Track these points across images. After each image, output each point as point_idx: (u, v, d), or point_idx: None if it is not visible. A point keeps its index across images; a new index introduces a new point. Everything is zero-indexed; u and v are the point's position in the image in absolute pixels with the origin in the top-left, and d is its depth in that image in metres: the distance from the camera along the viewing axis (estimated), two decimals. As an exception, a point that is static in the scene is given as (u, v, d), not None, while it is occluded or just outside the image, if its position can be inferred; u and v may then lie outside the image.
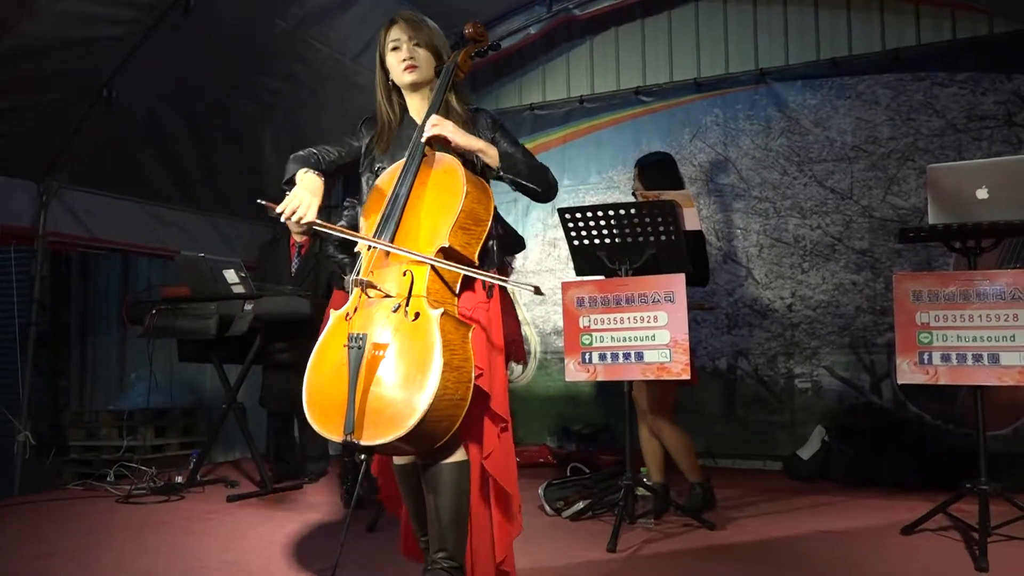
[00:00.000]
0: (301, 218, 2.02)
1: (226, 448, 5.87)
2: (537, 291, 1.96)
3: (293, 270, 4.67)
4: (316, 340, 2.09)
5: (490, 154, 2.18)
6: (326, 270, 4.60)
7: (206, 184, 5.33)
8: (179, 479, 4.21)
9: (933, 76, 4.59)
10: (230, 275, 4.04)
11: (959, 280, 2.88)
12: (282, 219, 2.04)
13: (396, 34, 2.24)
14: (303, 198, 2.04)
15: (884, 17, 4.79)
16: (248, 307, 4.01)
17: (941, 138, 4.54)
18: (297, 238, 4.74)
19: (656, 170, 3.65)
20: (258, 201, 2.12)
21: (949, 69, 4.55)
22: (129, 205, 4.98)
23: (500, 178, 2.22)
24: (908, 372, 2.92)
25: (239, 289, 4.05)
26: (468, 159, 2.19)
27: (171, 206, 5.23)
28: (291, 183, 2.15)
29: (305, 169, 2.15)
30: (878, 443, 4.23)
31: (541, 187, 2.26)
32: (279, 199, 2.08)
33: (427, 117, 2.17)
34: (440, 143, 2.15)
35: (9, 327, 5.22)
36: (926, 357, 2.90)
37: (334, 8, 4.77)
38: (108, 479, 4.41)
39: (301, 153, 2.24)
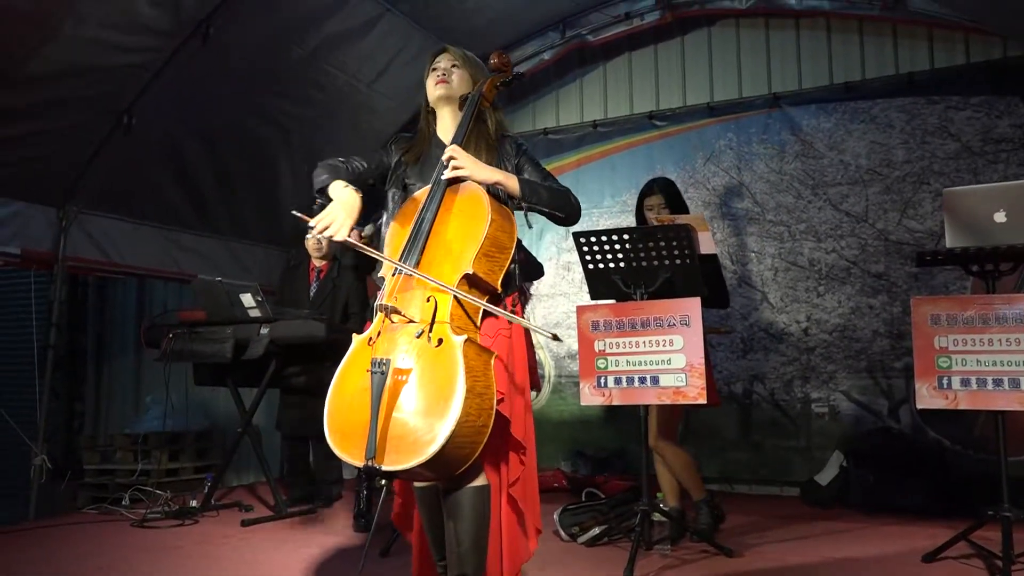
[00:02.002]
0: (334, 234, 2.02)
1: (239, 472, 5.87)
2: (555, 338, 1.95)
3: (312, 294, 4.70)
4: (331, 363, 2.09)
5: (510, 185, 2.20)
6: (343, 294, 4.63)
7: (223, 208, 5.38)
8: (193, 503, 4.21)
9: (947, 100, 4.59)
10: (247, 299, 4.06)
11: (978, 304, 2.87)
12: (312, 233, 2.04)
13: (440, 58, 2.33)
14: (337, 215, 2.05)
15: (897, 41, 4.81)
16: (264, 331, 4.03)
17: (956, 161, 4.54)
18: (316, 262, 4.76)
19: (676, 191, 3.67)
20: (292, 212, 2.14)
21: (963, 93, 4.55)
22: (146, 229, 5.03)
23: (522, 208, 2.23)
24: (927, 397, 2.89)
25: (255, 313, 4.07)
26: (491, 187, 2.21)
27: (188, 230, 5.28)
28: (323, 193, 2.16)
29: (344, 184, 2.15)
30: (897, 469, 4.18)
31: (564, 211, 2.28)
32: (310, 214, 2.08)
33: (452, 143, 2.19)
34: (455, 170, 2.16)
35: (28, 350, 5.26)
36: (945, 381, 2.87)
37: (351, 35, 4.84)
38: (123, 503, 4.41)
39: (331, 161, 2.26)
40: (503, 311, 2.11)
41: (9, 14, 3.56)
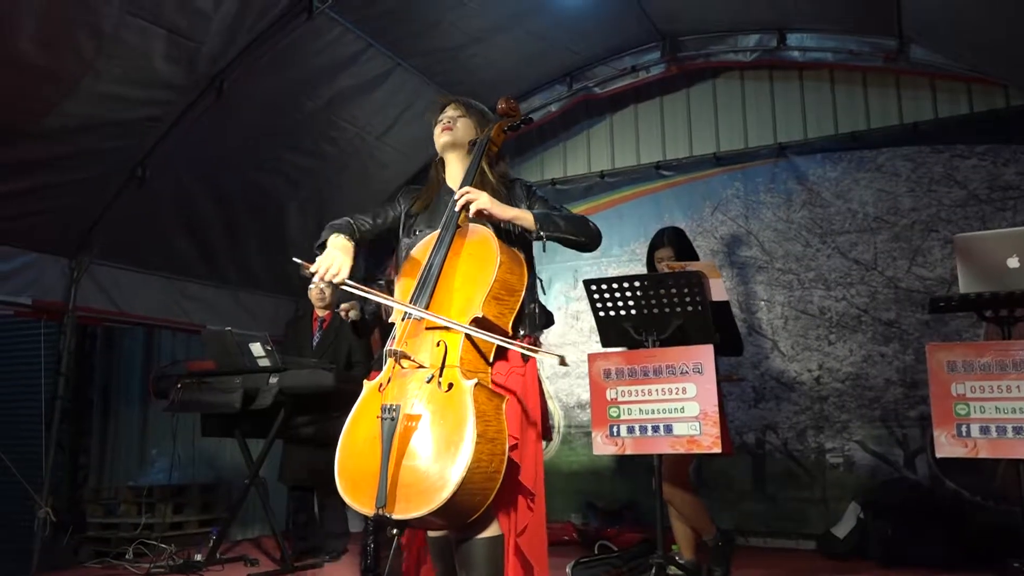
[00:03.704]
0: (334, 276, 2.05)
1: (244, 525, 5.77)
2: (562, 361, 1.95)
3: (314, 344, 4.69)
4: (339, 413, 2.08)
5: (526, 219, 2.21)
6: (345, 344, 4.61)
7: (231, 259, 5.41)
8: (198, 557, 4.13)
9: (952, 148, 4.63)
10: (256, 348, 4.05)
11: (995, 350, 2.83)
12: (315, 279, 2.06)
13: (446, 109, 2.38)
14: (335, 257, 2.09)
15: (900, 92, 4.86)
16: (273, 380, 4.01)
17: (964, 208, 4.55)
18: (319, 312, 4.76)
19: (685, 240, 3.68)
20: (293, 259, 2.19)
21: (968, 141, 4.59)
22: (155, 280, 5.06)
23: (541, 239, 2.23)
24: (947, 445, 2.84)
25: (265, 362, 4.06)
26: (503, 228, 2.21)
27: (196, 280, 5.31)
28: (323, 247, 2.19)
29: (336, 234, 2.19)
30: (916, 520, 4.09)
31: (583, 236, 2.28)
32: (296, 276, 2.13)
33: (461, 187, 2.20)
34: (477, 216, 2.18)
35: (34, 401, 5.24)
36: (964, 429, 2.82)
37: (361, 89, 4.93)
38: (126, 557, 4.33)
39: (337, 221, 2.31)
40: (512, 343, 2.09)
41: (30, 72, 3.64)
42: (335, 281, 2.07)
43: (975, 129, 4.59)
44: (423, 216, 2.34)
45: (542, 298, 2.36)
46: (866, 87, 4.96)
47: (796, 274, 4.93)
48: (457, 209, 2.17)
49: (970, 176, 4.57)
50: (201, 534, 5.32)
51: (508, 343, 2.09)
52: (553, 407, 5.42)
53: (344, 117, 5.05)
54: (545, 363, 5.50)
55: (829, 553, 4.30)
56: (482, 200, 2.15)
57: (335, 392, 3.97)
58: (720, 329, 3.23)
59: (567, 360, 2.02)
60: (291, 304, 5.81)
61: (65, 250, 4.55)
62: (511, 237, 2.23)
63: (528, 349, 2.15)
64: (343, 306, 4.17)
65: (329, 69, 4.67)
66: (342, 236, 2.20)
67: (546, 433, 2.34)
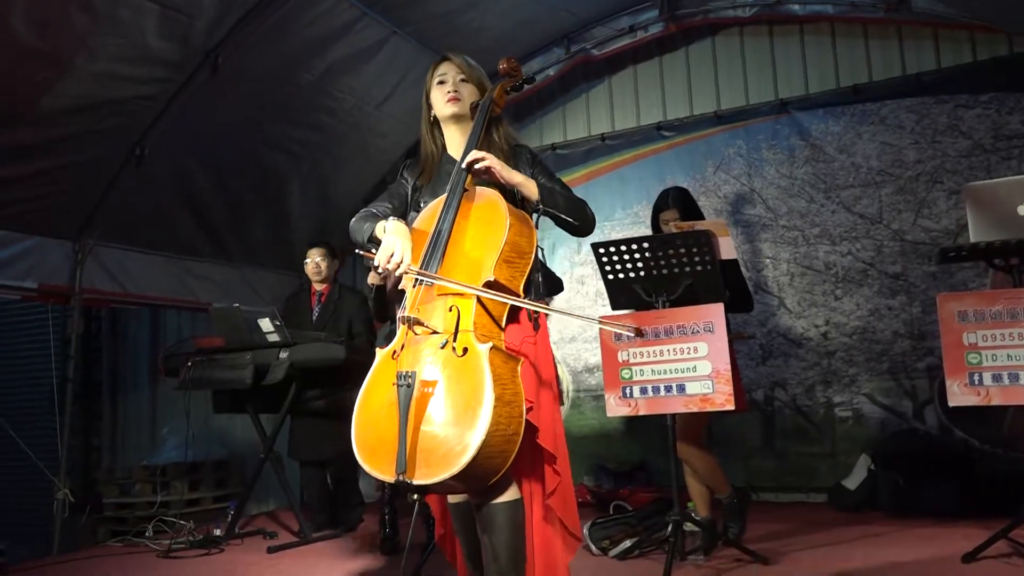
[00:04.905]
0: (399, 264, 2.00)
1: (259, 499, 5.83)
2: (639, 334, 1.92)
3: (314, 318, 4.68)
4: (350, 385, 2.07)
5: (530, 188, 2.19)
6: (345, 316, 4.61)
7: (234, 235, 5.40)
8: (217, 532, 4.17)
9: (956, 98, 4.58)
10: (265, 324, 4.05)
11: (1005, 298, 2.83)
12: (380, 269, 2.02)
13: (444, 69, 2.29)
14: (396, 243, 2.03)
15: (903, 43, 4.80)
16: (283, 355, 4.01)
17: (969, 159, 4.51)
18: (317, 286, 4.71)
19: (691, 200, 3.66)
20: (356, 251, 2.14)
21: (972, 91, 4.54)
22: (159, 259, 5.06)
23: (538, 211, 2.22)
24: (959, 394, 2.85)
25: (274, 337, 4.06)
26: (508, 191, 2.19)
27: (200, 259, 5.30)
28: (372, 241, 2.14)
29: (391, 218, 2.14)
30: (926, 470, 4.12)
31: (579, 220, 2.25)
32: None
33: (466, 151, 2.18)
34: (484, 175, 2.16)
35: (44, 385, 5.26)
36: (977, 378, 2.83)
37: (357, 59, 4.87)
38: (146, 534, 4.38)
39: (363, 213, 2.25)
40: (531, 303, 2.09)
41: (22, 53, 3.60)
42: (401, 269, 2.01)
43: (979, 78, 4.53)
44: (427, 188, 2.31)
45: (548, 264, 2.34)
46: (867, 39, 4.90)
47: (801, 230, 4.91)
48: (464, 166, 2.14)
49: (975, 126, 4.53)
50: (217, 510, 5.39)
51: (529, 304, 2.07)
52: (562, 372, 5.44)
53: (341, 88, 5.00)
54: (552, 327, 5.47)
55: (840, 505, 4.34)
56: (491, 160, 2.13)
57: (345, 364, 3.98)
58: (730, 287, 3.22)
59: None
60: (295, 279, 5.80)
61: (68, 233, 4.54)
62: (515, 200, 2.21)
63: (598, 321, 2.13)
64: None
65: (323, 40, 4.61)
66: (392, 219, 2.12)
67: (557, 399, 2.34)
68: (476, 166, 2.13)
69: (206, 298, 5.23)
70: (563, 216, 2.22)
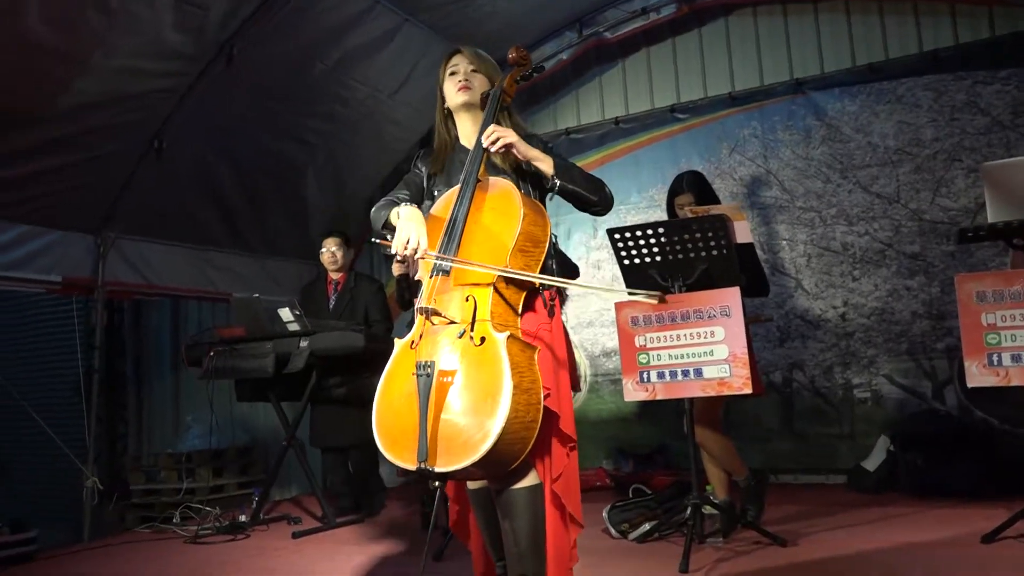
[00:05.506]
0: (415, 249, 2.03)
1: (281, 486, 5.92)
2: (661, 299, 1.93)
3: (331, 307, 4.73)
4: (370, 373, 2.10)
5: (546, 163, 2.21)
6: (362, 304, 4.66)
7: (253, 226, 5.45)
8: (243, 518, 4.25)
9: (975, 75, 4.53)
10: (284, 313, 4.10)
11: (1024, 278, 2.82)
12: (399, 254, 2.04)
13: (456, 60, 2.33)
14: (411, 229, 2.05)
15: (919, 19, 4.74)
16: (304, 344, 4.07)
17: (988, 136, 4.47)
18: (333, 275, 4.77)
19: (706, 184, 3.66)
20: (372, 240, 2.18)
21: (991, 67, 4.48)
22: (180, 251, 5.12)
23: (555, 188, 2.22)
24: (978, 375, 2.85)
25: (294, 327, 4.11)
26: (522, 180, 2.21)
27: (220, 249, 5.36)
28: (387, 227, 2.17)
29: (405, 204, 2.16)
30: (946, 451, 4.12)
31: (596, 196, 2.26)
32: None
33: (478, 141, 2.20)
34: (504, 148, 2.17)
35: (70, 375, 5.34)
36: (996, 358, 2.83)
37: (370, 48, 4.88)
38: (174, 520, 4.46)
39: (382, 202, 2.28)
40: (552, 278, 2.11)
41: (40, 51, 3.64)
42: (417, 254, 2.03)
43: (998, 53, 4.47)
44: (441, 177, 2.34)
45: (564, 249, 2.36)
46: (883, 16, 4.84)
47: (818, 211, 4.89)
48: (485, 142, 2.16)
49: (993, 102, 4.48)
50: (241, 496, 5.47)
51: (552, 280, 2.11)
52: (579, 357, 5.46)
53: (355, 77, 5.02)
54: (569, 312, 5.48)
55: (860, 487, 4.35)
56: (510, 136, 2.15)
57: (364, 352, 4.03)
58: (745, 271, 3.23)
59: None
60: (313, 268, 5.84)
61: (90, 226, 4.60)
62: (530, 184, 2.23)
63: (627, 292, 2.12)
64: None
65: (336, 29, 4.62)
66: (405, 204, 2.15)
67: (574, 383, 2.36)
68: (496, 145, 2.15)
69: (226, 288, 5.29)
70: (579, 190, 2.24)
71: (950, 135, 4.57)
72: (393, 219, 2.16)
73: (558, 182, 2.20)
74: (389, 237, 2.11)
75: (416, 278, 2.27)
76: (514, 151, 2.17)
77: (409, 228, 2.05)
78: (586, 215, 2.42)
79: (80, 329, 5.55)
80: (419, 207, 2.22)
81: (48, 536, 4.51)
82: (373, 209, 2.28)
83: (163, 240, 4.99)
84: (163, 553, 3.87)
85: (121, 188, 4.57)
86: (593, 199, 2.26)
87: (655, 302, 1.93)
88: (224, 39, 4.25)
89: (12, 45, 3.53)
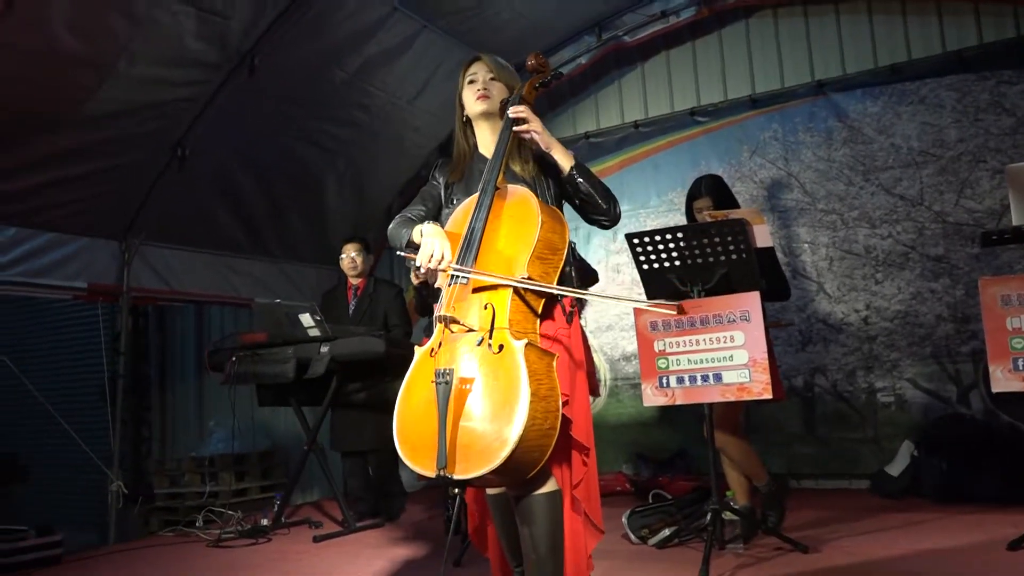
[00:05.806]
0: (439, 263, 2.06)
1: (302, 490, 5.96)
2: (680, 310, 1.95)
3: (351, 312, 4.76)
4: (390, 378, 2.11)
5: (566, 155, 2.24)
6: (381, 309, 4.68)
7: (274, 232, 5.51)
8: (265, 522, 4.29)
9: (999, 75, 4.47)
10: (305, 319, 4.13)
11: (1050, 281, 2.78)
12: (423, 268, 2.08)
13: (475, 69, 2.34)
14: (436, 243, 2.09)
15: (942, 19, 4.69)
16: (324, 349, 4.09)
17: (1013, 136, 4.41)
18: (353, 281, 4.80)
19: (724, 187, 3.64)
20: (398, 252, 2.21)
21: (1016, 66, 4.42)
22: (203, 257, 5.18)
23: (571, 180, 2.24)
24: (1003, 380, 2.81)
25: (314, 332, 4.14)
26: (540, 190, 2.23)
27: (242, 255, 5.42)
28: (410, 246, 2.20)
29: (427, 222, 2.19)
30: (971, 456, 4.06)
31: (606, 203, 2.28)
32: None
33: (496, 150, 2.21)
34: (526, 132, 2.20)
35: (97, 381, 5.41)
36: (1021, 363, 2.79)
37: (389, 55, 4.91)
38: (197, 524, 4.51)
39: (399, 220, 2.30)
40: (567, 289, 2.12)
41: (64, 60, 3.70)
42: (442, 266, 2.07)
43: (1022, 53, 4.42)
44: (459, 185, 2.35)
45: (583, 253, 2.37)
46: (906, 16, 4.79)
47: (839, 214, 4.85)
48: (512, 115, 2.19)
49: (1018, 103, 4.42)
50: (263, 500, 5.52)
51: (568, 292, 2.12)
52: (599, 361, 5.45)
53: (375, 84, 5.05)
54: (588, 317, 5.48)
55: (883, 492, 4.30)
56: (535, 123, 2.19)
57: (385, 357, 4.05)
58: (765, 275, 3.20)
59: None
60: (334, 274, 5.90)
61: (115, 233, 4.67)
62: (547, 198, 2.24)
63: (644, 303, 2.15)
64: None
65: (356, 37, 4.66)
66: (428, 222, 2.18)
67: (593, 389, 2.36)
68: (519, 126, 2.19)
69: (248, 294, 5.35)
70: (593, 194, 2.25)
71: (974, 136, 4.51)
72: (415, 237, 2.18)
73: (575, 174, 2.23)
74: (413, 253, 2.14)
75: (436, 286, 2.29)
76: (536, 136, 2.20)
77: (434, 243, 2.09)
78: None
79: (105, 335, 5.64)
80: (438, 220, 2.24)
81: (74, 539, 4.58)
82: (391, 226, 2.31)
83: (186, 246, 5.06)
84: (186, 556, 3.91)
85: (145, 195, 4.64)
86: (603, 206, 2.27)
87: (673, 312, 1.93)
88: (246, 48, 4.30)
89: (37, 52, 3.59)
